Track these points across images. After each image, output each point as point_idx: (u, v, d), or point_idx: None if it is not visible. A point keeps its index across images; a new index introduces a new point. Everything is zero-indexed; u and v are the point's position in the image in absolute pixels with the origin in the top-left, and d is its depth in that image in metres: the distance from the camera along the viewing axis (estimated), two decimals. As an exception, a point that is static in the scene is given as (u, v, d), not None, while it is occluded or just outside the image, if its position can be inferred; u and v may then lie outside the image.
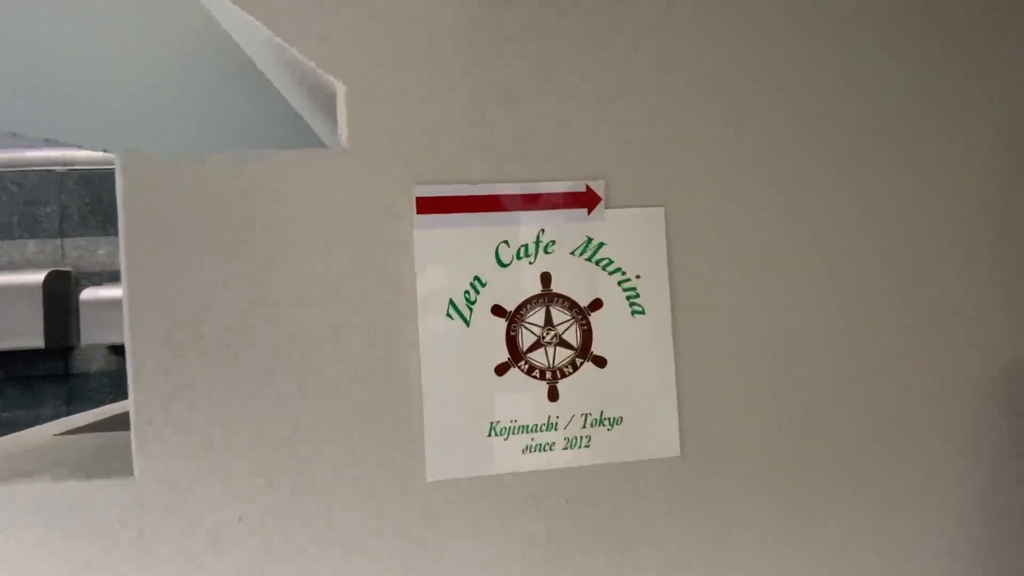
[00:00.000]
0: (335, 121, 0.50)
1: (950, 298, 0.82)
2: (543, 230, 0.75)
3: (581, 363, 0.76)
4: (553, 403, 0.75)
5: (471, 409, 0.73)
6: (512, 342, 0.75)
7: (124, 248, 0.65)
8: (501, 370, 0.74)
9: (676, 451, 0.76)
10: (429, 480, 0.71)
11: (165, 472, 0.67)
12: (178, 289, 0.67)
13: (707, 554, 0.76)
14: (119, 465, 0.69)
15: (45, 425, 0.99)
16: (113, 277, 1.00)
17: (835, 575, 0.79)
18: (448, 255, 0.73)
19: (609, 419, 0.76)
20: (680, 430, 0.76)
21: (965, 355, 0.82)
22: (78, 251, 1.07)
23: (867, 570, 0.79)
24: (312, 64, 0.41)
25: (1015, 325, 0.84)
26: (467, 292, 0.74)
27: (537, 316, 0.75)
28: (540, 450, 0.74)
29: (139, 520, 0.67)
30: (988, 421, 0.82)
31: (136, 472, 0.67)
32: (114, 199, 0.67)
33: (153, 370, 0.67)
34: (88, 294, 0.95)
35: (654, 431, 0.76)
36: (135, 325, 0.66)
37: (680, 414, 0.76)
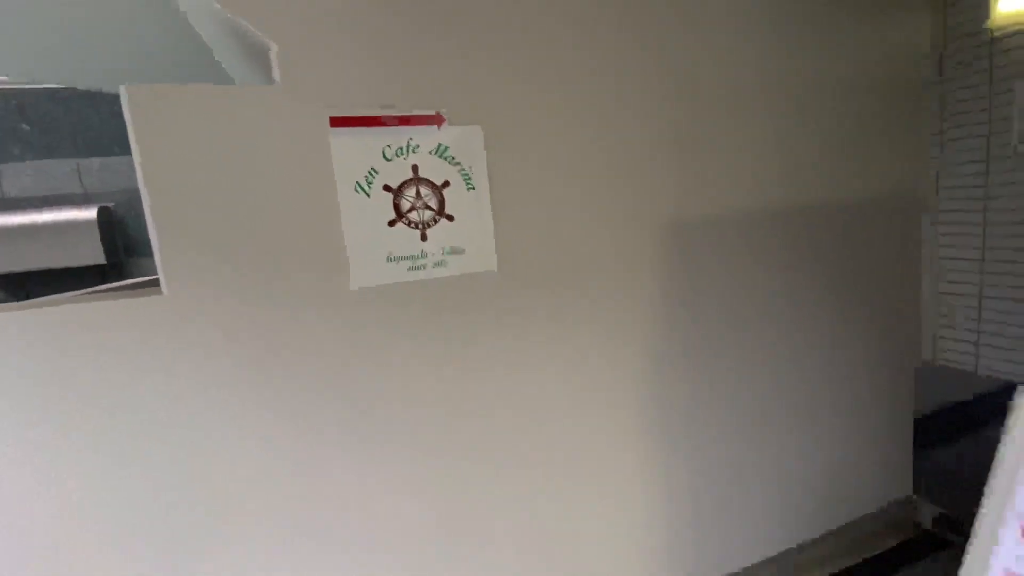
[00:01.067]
0: (270, 68, 0.94)
1: (643, 175, 1.51)
2: (411, 138, 1.25)
3: (439, 219, 1.31)
4: (424, 242, 1.30)
5: (375, 246, 1.25)
6: (397, 207, 1.26)
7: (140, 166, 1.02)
8: (391, 224, 1.26)
9: (494, 267, 1.37)
10: (352, 288, 1.23)
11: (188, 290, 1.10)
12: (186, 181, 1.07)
13: (515, 333, 1.41)
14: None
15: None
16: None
17: (583, 344, 1.49)
18: (352, 153, 1.21)
19: (457, 249, 1.33)
20: (497, 256, 1.37)
21: (646, 214, 1.53)
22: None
23: (596, 336, 1.51)
24: (252, 28, 0.86)
25: (680, 188, 1.56)
26: (367, 176, 1.22)
27: (411, 191, 1.27)
28: (418, 269, 1.30)
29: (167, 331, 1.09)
30: (664, 256, 1.56)
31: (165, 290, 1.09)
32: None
33: (174, 231, 1.07)
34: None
35: (482, 257, 1.36)
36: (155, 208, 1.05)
37: (496, 247, 1.36)
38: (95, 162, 1.22)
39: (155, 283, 1.13)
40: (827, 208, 1.78)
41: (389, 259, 1.27)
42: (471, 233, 1.34)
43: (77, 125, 1.18)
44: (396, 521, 1.36)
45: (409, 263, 1.29)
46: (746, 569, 1.85)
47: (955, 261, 1.86)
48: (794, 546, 1.92)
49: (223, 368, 1.15)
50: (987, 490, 0.72)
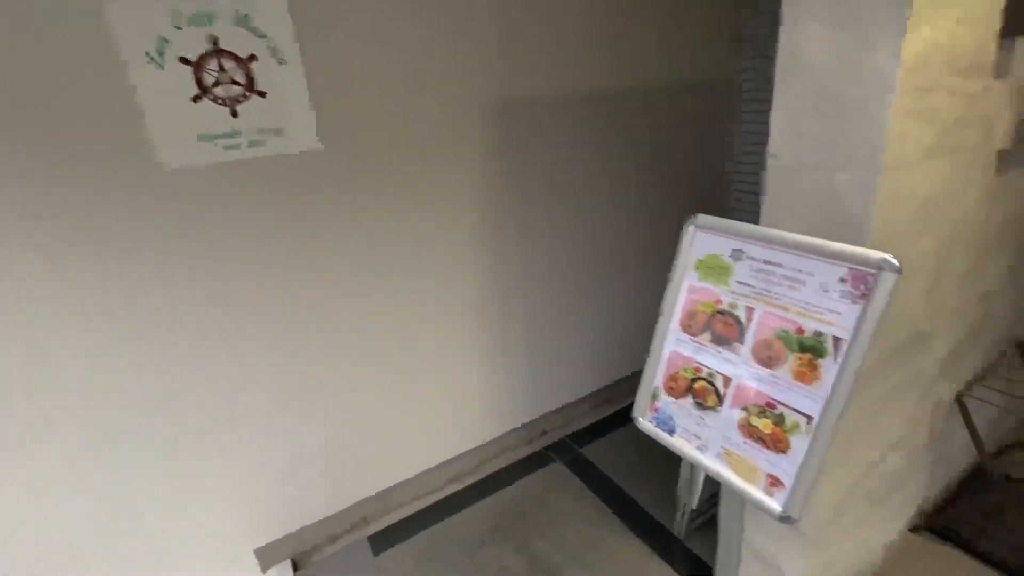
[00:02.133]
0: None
1: (469, 53, 1.56)
2: (204, 6, 1.18)
3: (250, 95, 1.29)
4: (235, 119, 1.28)
5: (181, 123, 1.22)
6: (200, 82, 1.22)
7: None
8: (196, 99, 1.23)
9: (317, 146, 1.40)
10: (169, 167, 1.22)
11: None
12: None
13: (344, 210, 1.48)
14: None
15: None
16: None
17: (414, 219, 1.61)
18: (134, 18, 1.12)
19: (274, 129, 1.33)
20: (318, 134, 1.39)
21: (470, 94, 1.61)
22: None
23: (426, 210, 1.63)
24: None
25: (506, 68, 1.64)
26: (156, 46, 1.16)
27: (213, 65, 1.23)
28: (234, 148, 1.30)
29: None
30: (488, 137, 1.67)
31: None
32: None
33: None
34: None
35: (303, 134, 1.38)
36: None
37: (317, 125, 1.39)
38: None
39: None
40: (645, 89, 1.99)
41: (201, 138, 1.25)
42: (288, 111, 1.34)
43: None
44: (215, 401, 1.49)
45: (224, 141, 1.28)
46: (570, 404, 2.28)
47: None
48: (610, 383, 2.37)
49: (22, 251, 1.12)
50: (663, 301, 1.00)
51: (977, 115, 1.04)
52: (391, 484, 1.88)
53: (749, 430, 0.88)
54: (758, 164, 2.06)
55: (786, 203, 0.99)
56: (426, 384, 1.84)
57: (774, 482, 0.85)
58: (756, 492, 0.87)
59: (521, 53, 1.66)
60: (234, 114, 1.28)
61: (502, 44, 1.62)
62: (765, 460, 0.86)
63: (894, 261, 0.70)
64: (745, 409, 0.89)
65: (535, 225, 1.89)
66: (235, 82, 1.26)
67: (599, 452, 2.12)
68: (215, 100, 1.25)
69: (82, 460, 1.31)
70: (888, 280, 0.71)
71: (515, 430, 2.14)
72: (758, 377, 0.86)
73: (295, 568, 1.71)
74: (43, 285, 1.16)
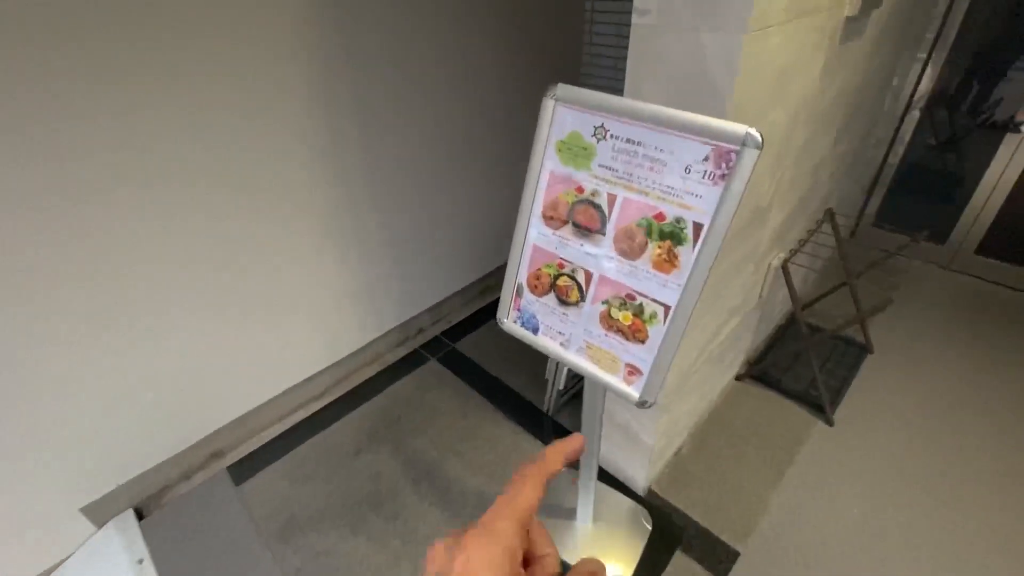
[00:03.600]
0: None
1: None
2: None
3: None
4: None
5: None
6: None
7: None
8: None
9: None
10: None
11: None
12: None
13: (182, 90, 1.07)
14: None
15: None
16: None
17: (251, 111, 1.23)
18: None
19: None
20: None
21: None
22: None
23: (260, 94, 1.26)
24: None
25: None
26: None
27: None
28: None
29: None
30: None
31: None
32: None
33: None
34: None
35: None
36: None
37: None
38: None
39: None
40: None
41: None
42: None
43: None
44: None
45: None
46: (442, 300, 2.20)
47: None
48: (483, 275, 2.32)
49: None
50: (523, 190, 0.88)
51: (833, -27, 0.99)
52: (247, 410, 1.70)
53: (610, 323, 0.85)
54: (620, 23, 1.91)
55: (650, 69, 0.88)
56: (279, 295, 1.60)
57: (632, 371, 0.85)
58: (616, 382, 0.87)
59: None
60: None
61: None
62: (624, 351, 0.85)
63: (757, 136, 0.64)
64: (606, 303, 0.84)
65: (379, 105, 1.59)
66: None
67: (473, 345, 2.11)
68: None
69: None
70: (751, 157, 0.65)
71: (385, 335, 2.02)
72: (619, 269, 0.81)
73: (140, 516, 1.51)
74: None
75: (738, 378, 1.89)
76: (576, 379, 1.73)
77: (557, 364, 1.61)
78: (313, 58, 1.38)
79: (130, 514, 1.50)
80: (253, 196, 1.42)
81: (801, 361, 1.92)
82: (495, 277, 2.36)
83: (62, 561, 1.41)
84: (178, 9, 1.12)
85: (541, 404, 1.80)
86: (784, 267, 1.59)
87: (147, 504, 1.54)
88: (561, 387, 1.67)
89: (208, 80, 1.22)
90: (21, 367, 1.18)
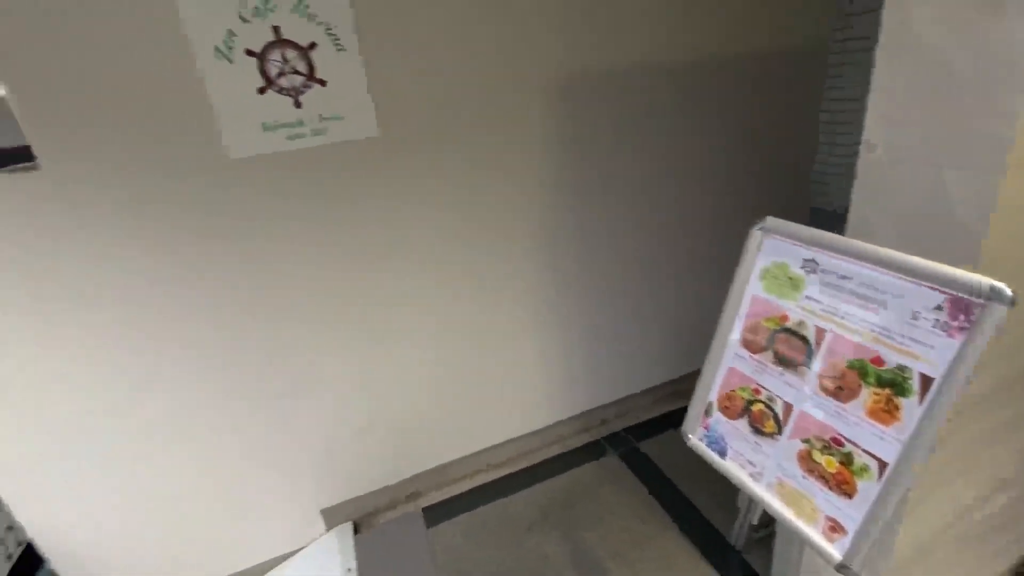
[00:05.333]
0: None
1: (528, 32, 1.48)
2: (266, -5, 1.20)
3: (311, 84, 1.31)
4: (299, 109, 1.32)
5: (247, 115, 1.27)
6: (265, 73, 1.26)
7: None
8: (261, 91, 1.27)
9: (376, 132, 1.41)
10: (232, 157, 1.28)
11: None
12: None
13: (399, 194, 1.49)
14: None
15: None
16: None
17: (473, 201, 1.58)
18: (204, 14, 1.17)
19: (335, 116, 1.35)
20: (376, 120, 1.40)
21: (532, 72, 1.53)
22: None
23: (485, 194, 1.60)
24: None
25: (568, 46, 1.55)
26: (225, 40, 1.20)
27: (276, 55, 1.26)
28: (298, 137, 1.34)
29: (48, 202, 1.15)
30: (548, 117, 1.59)
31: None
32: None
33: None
34: None
35: (361, 122, 1.39)
36: None
37: (376, 111, 1.39)
38: None
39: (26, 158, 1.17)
40: (725, 60, 1.79)
41: (265, 127, 1.30)
42: (347, 97, 1.35)
43: None
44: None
45: (287, 131, 1.32)
46: (631, 395, 2.19)
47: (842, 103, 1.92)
48: (676, 377, 2.25)
49: (105, 236, 1.24)
50: (723, 310, 0.90)
51: None
52: (447, 460, 1.94)
53: (810, 464, 0.78)
54: (847, 154, 1.81)
55: (880, 204, 0.84)
56: (486, 367, 1.85)
57: (835, 527, 0.75)
58: (813, 534, 0.78)
59: (584, 29, 1.55)
60: (297, 104, 1.31)
61: (563, 20, 1.51)
62: (826, 500, 0.76)
63: (1008, 291, 0.57)
64: (807, 441, 0.78)
65: (597, 210, 1.79)
66: (297, 71, 1.29)
67: (658, 448, 2.04)
68: (280, 91, 1.29)
69: (182, 416, 1.46)
70: (997, 313, 0.57)
71: (572, 418, 2.11)
72: (825, 408, 0.76)
73: (356, 530, 1.83)
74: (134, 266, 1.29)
75: (1019, 574, 1.40)
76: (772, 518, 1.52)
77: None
78: (548, 169, 1.67)
79: (349, 526, 1.84)
80: (482, 282, 1.72)
81: None
82: (686, 383, 2.27)
83: (294, 551, 1.79)
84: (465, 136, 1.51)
85: (728, 534, 1.62)
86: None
87: (362, 521, 1.86)
88: (755, 522, 1.49)
89: (478, 198, 1.58)
90: (310, 396, 1.61)
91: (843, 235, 0.77)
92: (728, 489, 1.74)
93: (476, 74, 1.47)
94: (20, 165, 1.17)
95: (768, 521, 1.54)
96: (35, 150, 1.14)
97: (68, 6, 1.07)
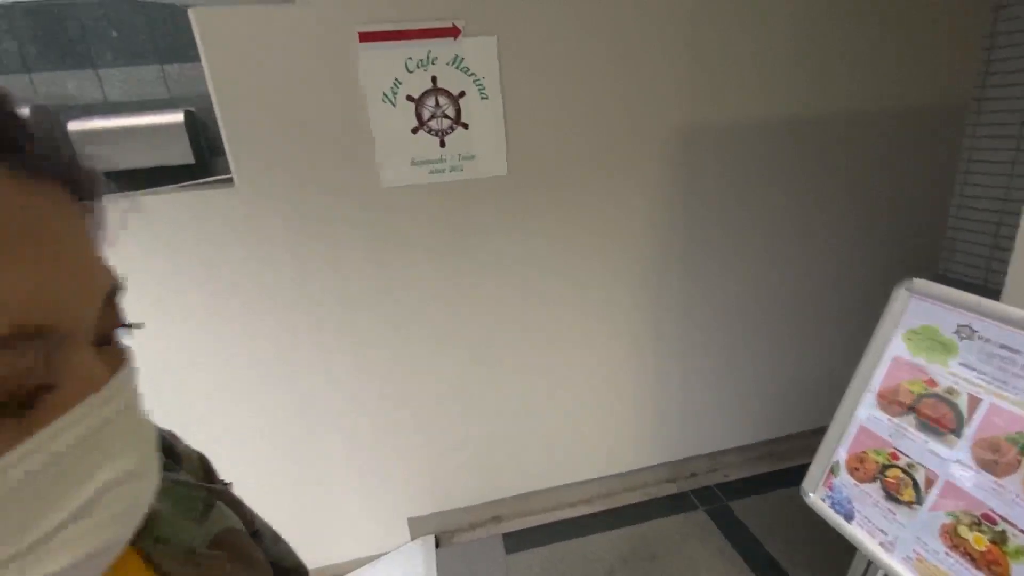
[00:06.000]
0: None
1: (652, 86, 1.57)
2: (430, 50, 1.39)
3: (456, 127, 1.47)
4: (442, 148, 1.48)
5: (401, 151, 1.45)
6: (419, 116, 1.44)
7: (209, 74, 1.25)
8: (414, 131, 1.45)
9: (504, 172, 1.54)
10: (383, 186, 1.46)
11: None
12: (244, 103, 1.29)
13: (521, 231, 1.60)
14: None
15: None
16: (85, 110, 1.40)
17: (584, 245, 1.66)
18: (379, 66, 1.37)
19: (471, 155, 1.51)
20: (506, 162, 1.53)
21: (654, 124, 1.61)
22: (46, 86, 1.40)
23: (597, 237, 1.67)
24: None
25: (689, 99, 1.62)
26: (392, 87, 1.40)
27: (431, 101, 1.44)
28: (438, 172, 1.50)
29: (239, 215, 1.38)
30: (666, 167, 1.65)
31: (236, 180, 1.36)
32: (68, 33, 1.24)
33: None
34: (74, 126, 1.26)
35: (494, 161, 1.53)
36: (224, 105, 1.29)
37: (507, 152, 1.52)
38: (175, 68, 1.46)
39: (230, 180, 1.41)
40: (845, 118, 1.76)
41: (413, 163, 1.48)
42: (484, 140, 1.50)
43: (156, 32, 1.40)
44: (418, 394, 1.70)
45: (430, 167, 1.49)
46: (724, 451, 2.11)
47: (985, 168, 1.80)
48: (774, 437, 2.14)
49: (280, 243, 1.45)
50: (859, 366, 0.88)
51: None
52: (530, 490, 1.97)
53: (955, 541, 0.74)
54: (989, 217, 1.70)
55: (1044, 275, 0.81)
56: (575, 403, 1.89)
57: (985, 612, 0.71)
58: (957, 616, 0.73)
59: (710, 80, 1.61)
60: (442, 143, 1.48)
61: (691, 71, 1.59)
62: (975, 582, 0.72)
63: None
64: (953, 515, 0.75)
65: (707, 260, 1.80)
66: (446, 115, 1.46)
67: (749, 509, 1.93)
68: (429, 131, 1.46)
69: (309, 415, 1.63)
70: None
71: (659, 466, 2.07)
72: (976, 482, 0.72)
73: (437, 544, 1.89)
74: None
75: None
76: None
77: (866, 571, 1.34)
78: (662, 215, 1.71)
79: (431, 539, 1.90)
80: (586, 319, 1.77)
81: None
82: (784, 444, 2.15)
83: (377, 555, 1.87)
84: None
85: (829, 614, 1.50)
86: None
87: (443, 536, 1.92)
88: (863, 603, 1.37)
89: (590, 237, 1.67)
90: (404, 409, 1.73)
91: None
92: (826, 561, 1.62)
93: (599, 124, 1.57)
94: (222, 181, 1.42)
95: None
96: (233, 170, 1.38)
97: (271, 58, 1.31)
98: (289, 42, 1.30)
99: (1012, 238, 1.67)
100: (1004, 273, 1.70)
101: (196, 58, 1.33)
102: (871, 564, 1.27)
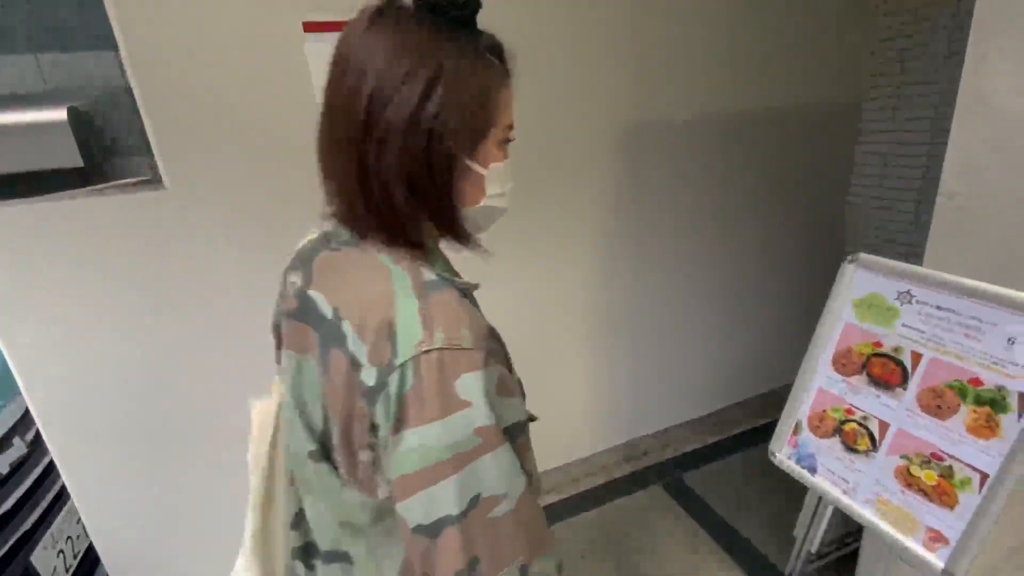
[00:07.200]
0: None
1: (601, 81, 1.63)
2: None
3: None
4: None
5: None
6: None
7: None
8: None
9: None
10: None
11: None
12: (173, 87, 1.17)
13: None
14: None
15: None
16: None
17: (536, 233, 1.69)
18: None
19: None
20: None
21: (604, 116, 1.67)
22: None
23: (549, 226, 1.71)
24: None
25: (634, 94, 1.69)
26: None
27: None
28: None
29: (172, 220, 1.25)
30: (616, 155, 1.72)
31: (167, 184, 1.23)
32: None
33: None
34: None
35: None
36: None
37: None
38: (50, 57, 1.23)
39: (149, 182, 1.27)
40: (768, 112, 1.94)
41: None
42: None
43: (30, 18, 1.18)
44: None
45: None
46: (674, 426, 2.25)
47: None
48: (719, 408, 2.31)
49: (223, 250, 1.33)
50: (814, 336, 0.99)
51: None
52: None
53: (909, 479, 0.85)
54: (880, 196, 1.93)
55: (959, 245, 0.95)
56: (536, 393, 1.91)
57: (936, 537, 0.82)
58: (913, 545, 0.84)
59: (653, 79, 1.70)
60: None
61: (638, 68, 1.67)
62: (927, 513, 0.83)
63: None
64: (905, 457, 0.86)
65: (651, 241, 1.91)
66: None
67: (701, 480, 2.07)
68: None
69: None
70: (1097, 339, 0.67)
71: (614, 448, 2.16)
72: (924, 426, 0.84)
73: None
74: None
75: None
76: (834, 544, 1.56)
77: (811, 522, 1.50)
78: (609, 199, 1.78)
79: (400, 549, 1.85)
80: (536, 306, 1.81)
81: None
82: (726, 414, 2.33)
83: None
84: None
85: (783, 564, 1.65)
86: None
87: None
88: (813, 549, 1.52)
89: (540, 221, 1.69)
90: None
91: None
92: (777, 520, 1.78)
93: (553, 121, 1.61)
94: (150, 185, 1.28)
95: (826, 551, 1.58)
96: (161, 170, 1.25)
97: (214, 59, 1.21)
98: (225, 29, 1.20)
99: (907, 212, 1.94)
100: (903, 244, 1.99)
101: (82, 47, 1.17)
102: (819, 508, 1.42)
